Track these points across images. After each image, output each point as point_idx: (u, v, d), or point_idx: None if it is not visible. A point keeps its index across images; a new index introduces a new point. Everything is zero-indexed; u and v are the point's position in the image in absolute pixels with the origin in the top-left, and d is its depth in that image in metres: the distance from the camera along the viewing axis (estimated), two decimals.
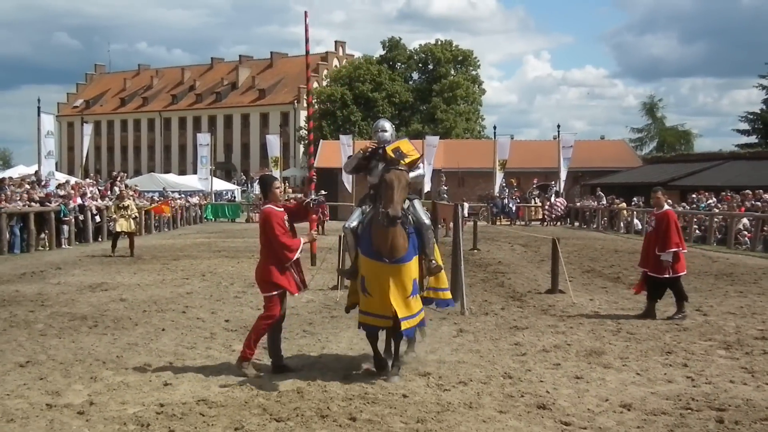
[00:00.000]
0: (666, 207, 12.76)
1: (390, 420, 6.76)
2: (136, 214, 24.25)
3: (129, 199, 24.08)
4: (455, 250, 13.93)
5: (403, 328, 8.11)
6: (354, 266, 8.68)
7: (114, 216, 22.74)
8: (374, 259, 8.13)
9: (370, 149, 8.93)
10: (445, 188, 45.12)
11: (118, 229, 22.53)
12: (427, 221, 8.66)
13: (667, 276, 12.17)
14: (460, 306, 12.65)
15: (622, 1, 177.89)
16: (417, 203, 8.75)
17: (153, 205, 28.75)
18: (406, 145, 8.63)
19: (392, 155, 8.35)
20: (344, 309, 9.49)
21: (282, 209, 8.72)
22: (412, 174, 8.52)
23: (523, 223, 44.49)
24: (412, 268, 8.22)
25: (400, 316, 8.03)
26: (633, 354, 9.55)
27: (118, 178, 39.21)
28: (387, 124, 9.24)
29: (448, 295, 9.29)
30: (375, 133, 9.15)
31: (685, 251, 12.63)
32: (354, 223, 8.73)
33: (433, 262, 8.67)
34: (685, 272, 12.67)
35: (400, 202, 7.97)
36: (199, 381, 8.14)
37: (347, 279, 9.21)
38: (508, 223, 44.20)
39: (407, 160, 8.35)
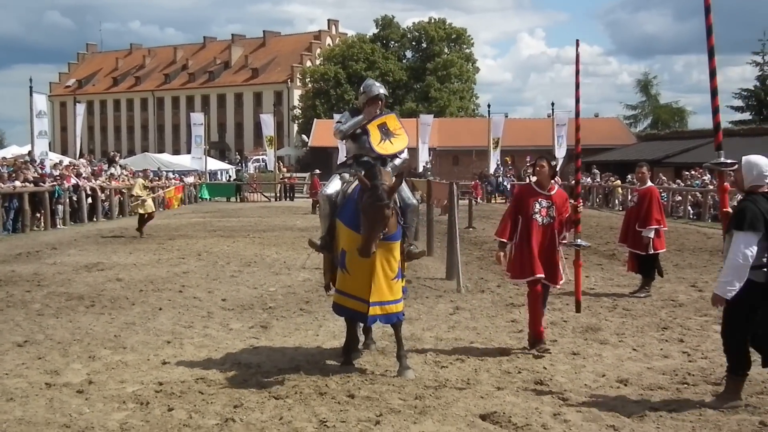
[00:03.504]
0: (649, 183, 12.77)
1: (388, 397, 6.78)
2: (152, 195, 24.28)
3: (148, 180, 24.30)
4: (450, 229, 13.95)
5: (371, 313, 7.41)
6: (327, 238, 7.97)
7: (143, 196, 22.47)
8: (360, 233, 7.30)
9: (372, 117, 8.09)
10: (429, 166, 45.08)
11: (149, 210, 22.48)
12: (414, 201, 8.11)
13: (645, 253, 12.23)
14: (456, 284, 12.70)
15: None
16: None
17: (168, 189, 28.35)
18: (393, 122, 8.13)
19: (378, 132, 7.90)
20: (324, 288, 8.88)
21: (542, 192, 8.37)
22: (396, 161, 8.10)
23: None
24: (399, 247, 7.64)
25: (373, 299, 7.36)
26: (629, 330, 9.60)
27: (116, 158, 39.18)
28: (377, 81, 8.60)
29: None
30: (368, 89, 8.22)
31: (666, 229, 12.67)
32: (331, 190, 7.96)
33: (414, 246, 8.10)
34: (663, 250, 12.72)
35: (377, 238, 7.15)
36: (198, 359, 8.17)
37: (318, 252, 8.35)
38: (503, 201, 44.18)
39: (394, 141, 7.87)
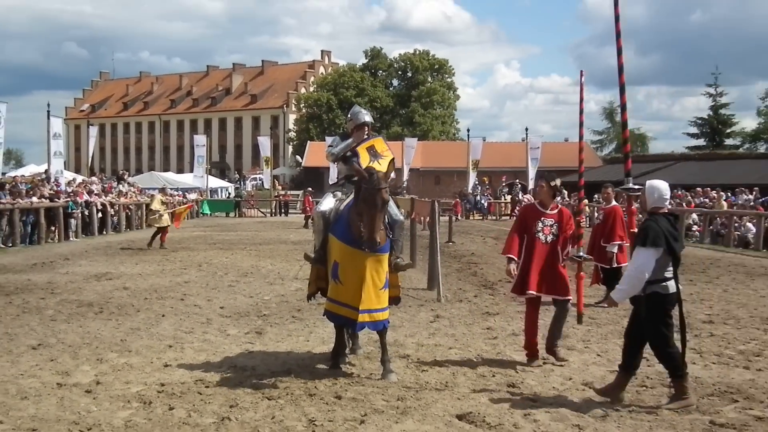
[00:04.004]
0: (614, 202, 12.79)
1: (373, 398, 6.77)
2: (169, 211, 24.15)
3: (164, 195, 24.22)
4: (432, 243, 13.94)
5: (360, 320, 7.31)
6: (321, 252, 7.91)
7: (160, 211, 22.31)
8: (352, 246, 7.32)
9: (361, 140, 8.04)
10: (405, 184, 45.08)
11: (164, 224, 22.38)
12: (401, 217, 8.08)
13: (609, 267, 12.25)
14: (437, 293, 12.70)
15: (585, 16, 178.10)
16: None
17: (180, 208, 28.10)
18: (380, 144, 8.04)
19: (366, 155, 7.78)
20: (307, 298, 8.76)
21: (545, 211, 8.06)
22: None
23: (494, 217, 44.52)
24: (387, 260, 7.57)
25: (363, 307, 7.26)
26: (594, 337, 9.59)
27: (124, 176, 39.04)
28: (363, 108, 8.57)
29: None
30: (355, 117, 8.26)
31: (628, 244, 12.67)
32: (324, 207, 7.93)
33: (401, 258, 8.00)
34: (626, 263, 12.72)
35: (380, 226, 7.24)
36: (197, 362, 8.13)
37: (313, 265, 8.22)
38: (481, 218, 44.22)
39: (381, 162, 7.72)
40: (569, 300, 8.21)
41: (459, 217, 39.52)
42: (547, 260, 8.05)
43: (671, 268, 6.54)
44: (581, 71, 9.05)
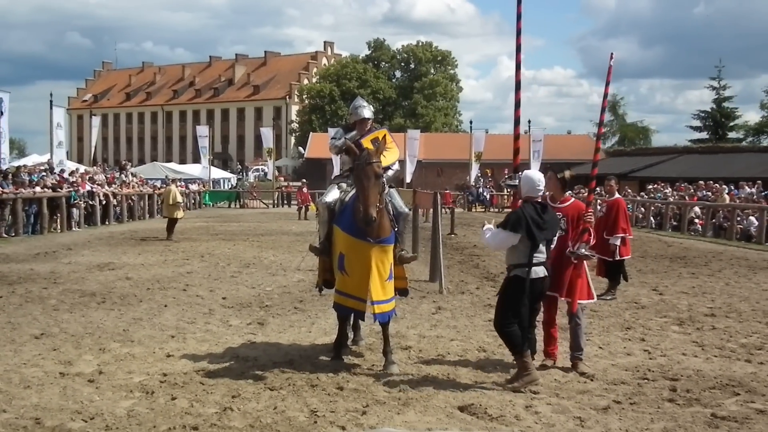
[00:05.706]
0: (617, 195, 12.75)
1: (374, 389, 6.78)
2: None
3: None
4: (434, 235, 13.94)
5: (376, 311, 7.34)
6: (325, 243, 7.86)
7: (181, 202, 22.69)
8: (357, 238, 7.31)
9: (366, 132, 7.94)
10: (390, 174, 45.04)
11: (181, 216, 22.76)
12: (405, 210, 8.05)
13: (612, 259, 12.24)
14: (439, 285, 12.70)
15: (588, 9, 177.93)
16: (394, 192, 8.04)
17: None
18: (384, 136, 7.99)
19: (370, 146, 7.55)
20: (316, 287, 8.82)
21: (554, 205, 7.54)
22: (389, 172, 7.83)
23: (496, 210, 44.47)
24: (392, 251, 7.58)
25: (374, 299, 7.29)
26: (596, 330, 9.61)
27: (127, 167, 39.07)
28: (364, 102, 8.42)
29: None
30: (355, 112, 8.18)
31: (631, 237, 12.68)
32: (329, 199, 7.87)
33: (405, 251, 8.05)
34: (629, 256, 12.72)
35: (375, 200, 7.11)
36: (199, 353, 8.15)
37: (316, 256, 8.27)
38: (483, 210, 44.18)
39: (384, 153, 7.58)
40: (575, 302, 7.64)
41: (449, 208, 39.28)
42: (555, 257, 7.46)
43: (538, 255, 6.85)
44: (611, 53, 8.47)
